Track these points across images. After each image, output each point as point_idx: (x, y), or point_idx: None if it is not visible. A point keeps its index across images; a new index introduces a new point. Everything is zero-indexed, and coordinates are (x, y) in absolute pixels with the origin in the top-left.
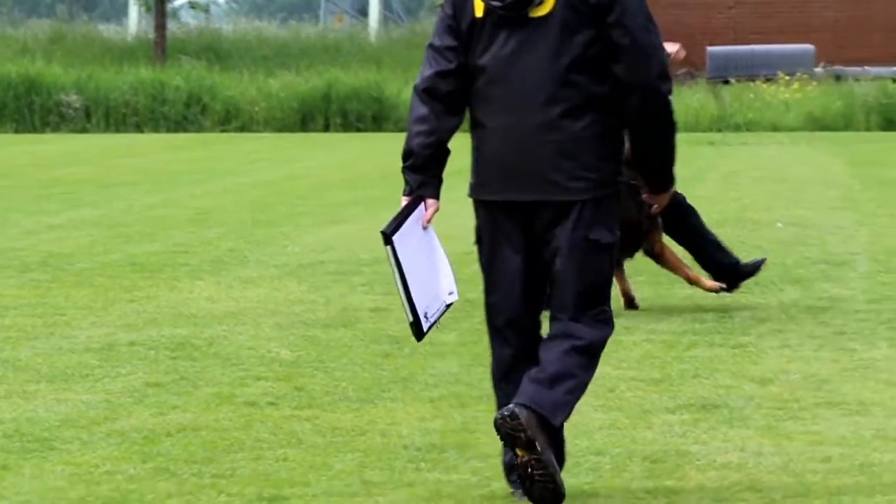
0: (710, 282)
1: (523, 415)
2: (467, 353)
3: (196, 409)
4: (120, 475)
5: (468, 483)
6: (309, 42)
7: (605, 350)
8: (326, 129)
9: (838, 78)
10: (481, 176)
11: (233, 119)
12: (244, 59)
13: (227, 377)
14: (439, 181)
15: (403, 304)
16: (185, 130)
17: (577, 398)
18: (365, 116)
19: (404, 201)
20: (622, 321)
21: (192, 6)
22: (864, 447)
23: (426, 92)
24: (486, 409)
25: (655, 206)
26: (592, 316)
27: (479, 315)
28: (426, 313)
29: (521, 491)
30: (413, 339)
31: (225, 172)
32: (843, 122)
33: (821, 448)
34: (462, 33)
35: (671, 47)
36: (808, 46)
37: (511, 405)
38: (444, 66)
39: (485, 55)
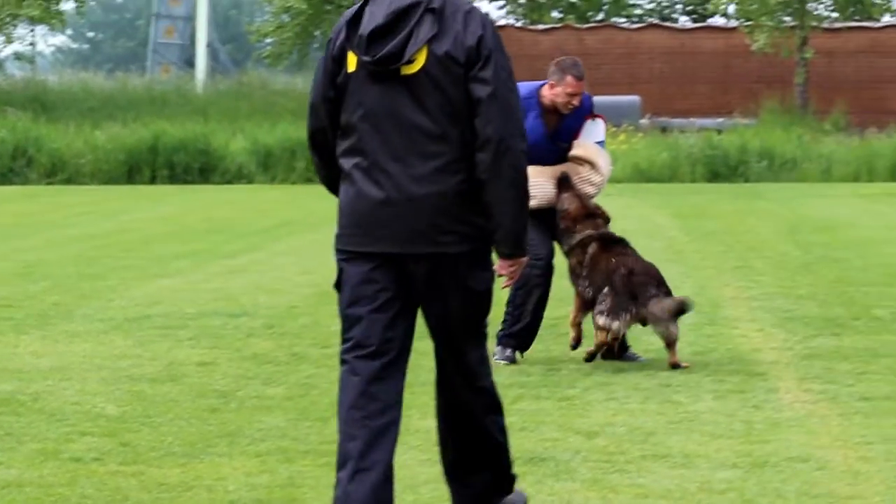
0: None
1: None
2: (294, 407)
3: (20, 465)
4: None
5: None
6: (135, 93)
7: (431, 403)
8: (153, 181)
9: (664, 129)
10: (350, 227)
11: (59, 171)
12: (70, 111)
13: (52, 433)
14: None
15: None
16: (11, 183)
17: (509, 452)
18: (192, 168)
19: None
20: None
21: (18, 57)
22: (689, 500)
23: (311, 146)
24: (312, 464)
25: (507, 278)
26: (480, 363)
27: (306, 369)
28: None
29: None
30: (241, 392)
31: (51, 225)
32: (668, 174)
33: (646, 501)
34: (337, 87)
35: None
36: (635, 98)
37: None
38: (319, 124)
39: (358, 109)
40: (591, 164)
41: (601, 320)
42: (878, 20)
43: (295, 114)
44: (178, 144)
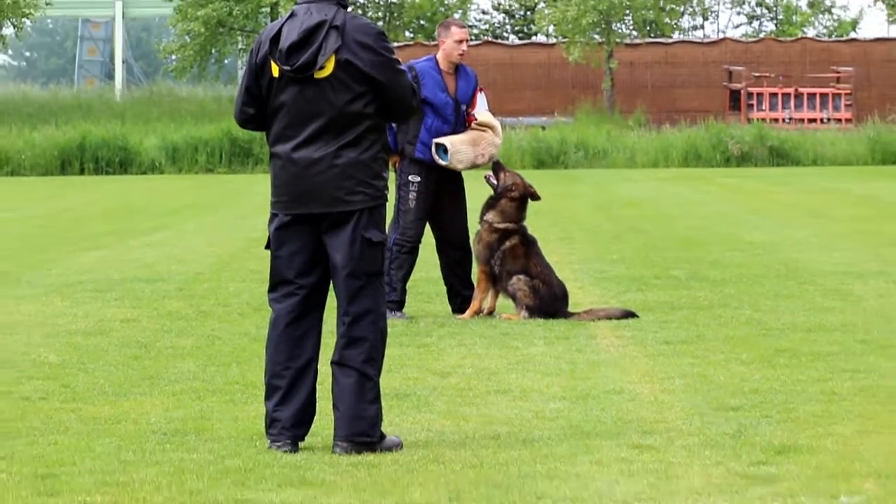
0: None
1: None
2: (202, 354)
3: None
4: None
5: (206, 460)
6: (66, 101)
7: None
8: (82, 172)
9: None
10: (280, 195)
11: (3, 165)
12: (12, 116)
13: (4, 377)
14: None
15: None
16: None
17: (379, 395)
18: (113, 162)
19: None
20: (327, 326)
21: None
22: (527, 426)
23: (242, 127)
24: (218, 401)
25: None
26: (371, 318)
27: (211, 323)
28: None
29: (277, 444)
30: (159, 343)
31: None
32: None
33: (492, 427)
34: (262, 88)
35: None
36: None
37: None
38: (247, 118)
39: (282, 105)
40: (492, 129)
41: (524, 314)
42: (670, 37)
43: (196, 116)
44: (101, 142)
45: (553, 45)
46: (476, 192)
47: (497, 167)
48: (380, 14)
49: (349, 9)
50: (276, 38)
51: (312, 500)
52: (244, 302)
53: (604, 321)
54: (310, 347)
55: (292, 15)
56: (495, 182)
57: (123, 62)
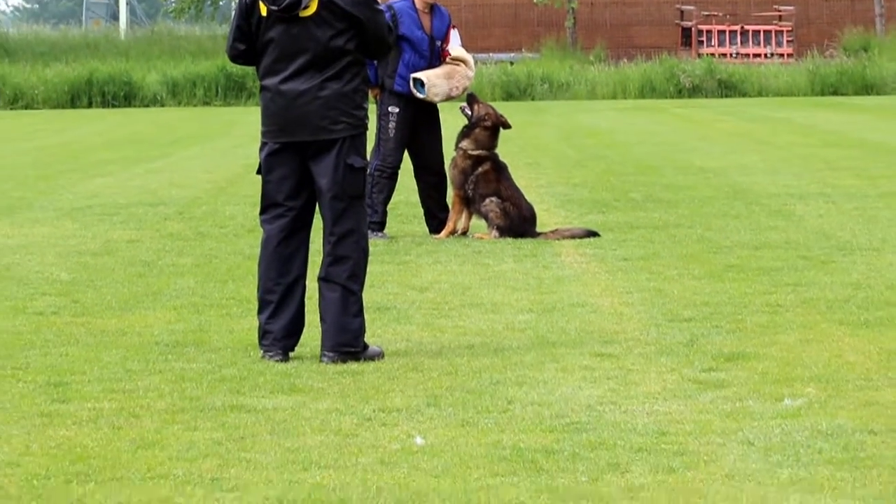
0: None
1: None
2: (201, 272)
3: None
4: None
5: (204, 370)
6: (74, 41)
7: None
8: (90, 105)
9: None
10: (270, 125)
11: (19, 100)
12: (26, 54)
13: (20, 294)
14: None
15: None
16: None
17: (362, 308)
18: (118, 96)
19: None
20: (314, 245)
21: None
22: (498, 336)
23: (233, 62)
24: (216, 315)
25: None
26: (354, 238)
27: (209, 244)
28: None
29: (269, 354)
30: (161, 262)
31: (13, 139)
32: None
33: (466, 338)
34: (251, 26)
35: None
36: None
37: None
38: (239, 53)
39: (270, 41)
40: (465, 63)
41: (495, 234)
42: None
43: (194, 54)
44: (107, 78)
45: None
46: (451, 122)
47: (471, 99)
48: None
49: None
50: None
51: (302, 405)
52: (239, 224)
53: (568, 240)
54: (298, 265)
55: None
56: (470, 112)
57: (127, 4)
